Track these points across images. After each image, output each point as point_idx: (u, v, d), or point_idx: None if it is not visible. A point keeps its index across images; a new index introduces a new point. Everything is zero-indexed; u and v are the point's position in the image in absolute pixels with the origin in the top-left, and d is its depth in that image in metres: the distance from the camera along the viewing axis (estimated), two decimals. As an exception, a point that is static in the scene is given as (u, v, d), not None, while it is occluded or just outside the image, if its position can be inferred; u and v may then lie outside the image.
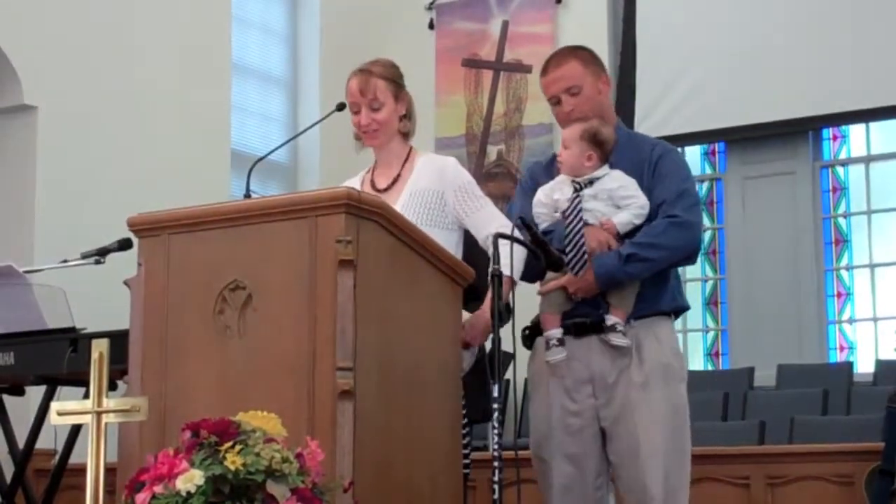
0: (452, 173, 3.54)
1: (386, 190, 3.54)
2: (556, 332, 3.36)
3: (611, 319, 3.35)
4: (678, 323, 3.74)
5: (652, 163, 3.48)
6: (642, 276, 3.37)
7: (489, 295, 3.05)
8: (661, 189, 3.43)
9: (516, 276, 3.33)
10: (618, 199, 3.40)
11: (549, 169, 3.61)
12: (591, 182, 3.41)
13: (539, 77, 3.69)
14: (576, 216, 3.36)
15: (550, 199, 3.45)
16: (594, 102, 3.53)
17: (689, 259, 3.50)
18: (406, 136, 3.64)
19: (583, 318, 3.39)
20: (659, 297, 3.45)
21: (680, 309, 3.57)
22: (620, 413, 3.35)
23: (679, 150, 3.68)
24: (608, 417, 3.37)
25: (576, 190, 3.41)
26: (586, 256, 3.32)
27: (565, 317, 3.41)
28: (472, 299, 3.38)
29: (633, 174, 3.44)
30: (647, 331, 3.41)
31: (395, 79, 3.58)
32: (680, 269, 3.67)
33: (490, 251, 3.07)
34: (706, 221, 8.80)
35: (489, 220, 3.44)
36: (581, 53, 3.61)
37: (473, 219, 3.48)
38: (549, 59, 3.64)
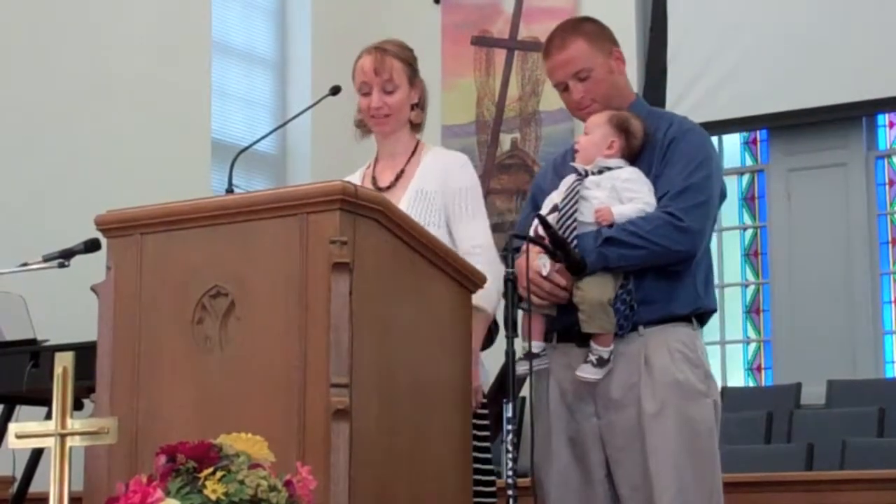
0: (458, 172, 3.57)
1: (388, 188, 3.55)
2: (532, 345, 3.26)
3: (592, 352, 3.28)
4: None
5: (663, 146, 3.41)
6: (618, 266, 3.26)
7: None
8: (666, 178, 3.36)
9: (493, 309, 3.37)
10: (622, 192, 3.32)
11: (560, 168, 3.55)
12: (600, 171, 3.36)
13: (542, 60, 3.62)
14: (571, 201, 3.32)
15: (560, 193, 3.40)
16: (607, 84, 3.48)
17: (680, 263, 3.35)
18: (416, 127, 3.66)
19: (571, 323, 3.31)
20: (673, 298, 3.35)
21: (703, 312, 3.44)
22: (626, 441, 3.30)
23: (706, 132, 3.55)
24: (612, 444, 3.32)
25: (580, 175, 3.38)
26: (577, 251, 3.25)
27: (555, 321, 3.37)
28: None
29: (644, 159, 3.39)
30: (658, 340, 3.32)
31: (410, 62, 3.62)
32: (712, 265, 3.56)
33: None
34: (746, 219, 8.80)
35: (475, 235, 3.44)
36: (586, 28, 3.55)
37: (460, 227, 3.50)
38: (551, 39, 3.56)
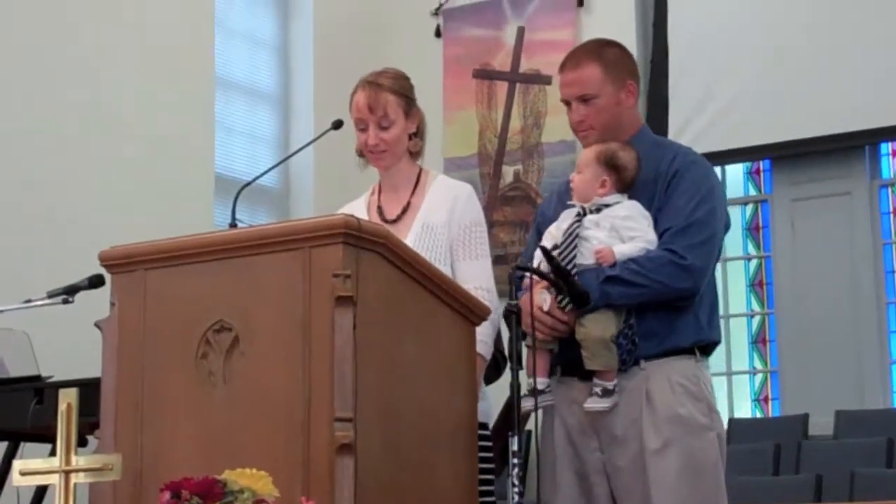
0: (463, 206, 3.57)
1: (395, 221, 3.55)
2: (537, 381, 3.26)
3: (595, 385, 3.29)
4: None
5: (667, 178, 3.39)
6: (621, 303, 3.26)
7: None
8: (669, 212, 3.35)
9: (487, 354, 3.38)
10: (622, 231, 3.32)
11: (564, 196, 3.54)
12: (598, 209, 3.36)
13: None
14: (569, 243, 3.32)
15: (560, 231, 3.40)
16: (610, 115, 3.47)
17: (683, 301, 3.35)
18: (415, 155, 3.66)
19: (574, 358, 3.30)
20: (674, 331, 3.34)
21: (706, 344, 3.42)
22: (630, 476, 3.29)
23: (709, 164, 3.55)
24: (616, 479, 3.31)
25: (579, 215, 3.37)
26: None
27: (558, 355, 3.36)
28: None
29: (647, 190, 3.38)
30: (660, 375, 3.31)
31: (406, 93, 3.61)
32: (716, 297, 3.55)
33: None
34: (751, 249, 8.79)
35: (478, 276, 3.44)
36: (606, 54, 3.53)
37: (463, 266, 3.50)
38: (569, 56, 3.56)
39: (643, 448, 3.27)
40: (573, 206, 3.40)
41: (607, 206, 3.36)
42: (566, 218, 3.40)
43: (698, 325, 3.39)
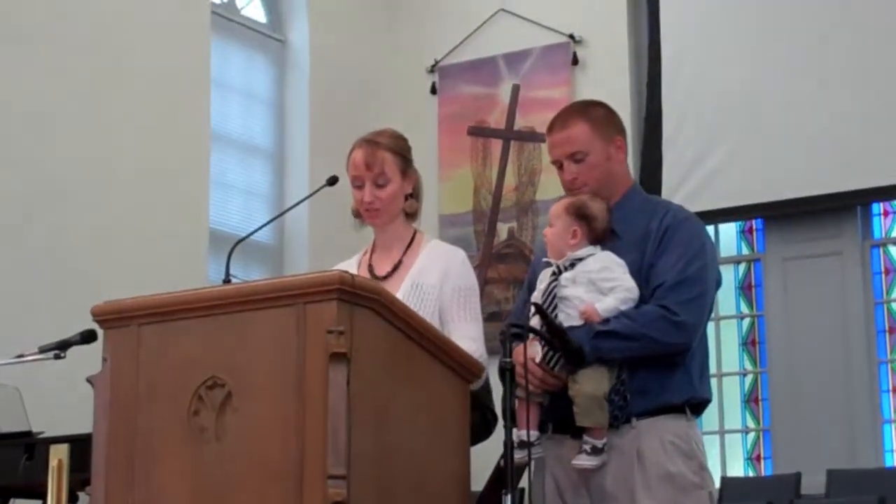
0: (458, 271, 3.57)
1: (385, 278, 3.55)
2: (523, 433, 3.21)
3: (585, 443, 3.27)
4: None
5: (658, 235, 3.40)
6: (612, 357, 3.24)
7: None
8: (661, 268, 3.34)
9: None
10: (599, 283, 3.31)
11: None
12: (572, 265, 3.35)
13: (539, 148, 3.64)
14: (549, 304, 3.30)
15: (539, 292, 3.38)
16: (602, 170, 3.48)
17: (675, 357, 3.34)
18: (411, 216, 3.66)
19: (566, 415, 3.27)
20: (666, 388, 3.33)
21: (697, 402, 3.42)
22: None
23: (701, 221, 3.56)
24: None
25: (554, 274, 3.36)
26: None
27: (549, 412, 3.34)
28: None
29: (637, 247, 3.38)
30: (651, 433, 3.30)
31: (403, 153, 3.62)
32: (708, 355, 3.54)
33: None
34: (744, 308, 8.79)
35: (466, 338, 3.40)
36: (593, 113, 3.55)
37: (453, 327, 3.47)
38: (556, 117, 3.58)
39: (630, 497, 3.25)
40: (549, 263, 3.40)
41: (580, 259, 3.35)
42: (544, 279, 3.40)
43: (690, 383, 3.38)
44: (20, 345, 4.56)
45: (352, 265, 3.67)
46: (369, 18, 9.51)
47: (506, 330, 3.09)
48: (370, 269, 3.64)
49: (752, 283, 8.87)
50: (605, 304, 3.28)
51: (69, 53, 7.13)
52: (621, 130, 3.58)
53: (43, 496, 2.53)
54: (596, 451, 3.25)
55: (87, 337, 4.18)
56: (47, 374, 4.70)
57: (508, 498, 2.88)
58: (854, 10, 8.32)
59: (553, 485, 3.38)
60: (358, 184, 3.61)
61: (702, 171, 8.59)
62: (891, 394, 8.40)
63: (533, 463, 3.26)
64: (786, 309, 8.63)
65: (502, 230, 9.01)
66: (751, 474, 8.61)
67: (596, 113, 3.56)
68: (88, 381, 2.98)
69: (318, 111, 8.99)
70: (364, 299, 2.78)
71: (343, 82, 9.19)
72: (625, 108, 8.38)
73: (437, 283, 3.53)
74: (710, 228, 8.34)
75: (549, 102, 8.53)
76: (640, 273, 3.36)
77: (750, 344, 8.82)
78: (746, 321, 8.81)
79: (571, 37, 8.93)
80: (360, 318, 2.75)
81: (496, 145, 9.11)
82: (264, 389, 2.74)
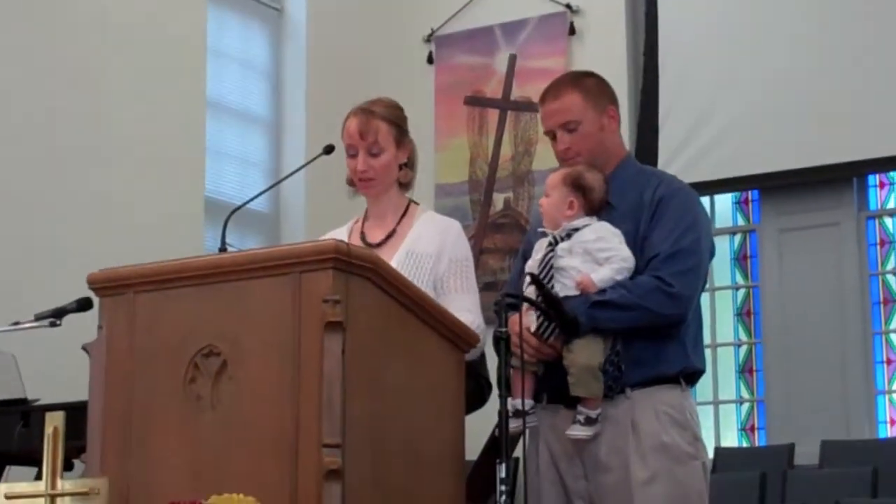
0: (454, 241, 3.57)
1: (379, 245, 3.54)
2: (517, 402, 3.21)
3: (579, 413, 3.27)
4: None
5: (651, 206, 3.41)
6: (607, 328, 3.26)
7: None
8: (655, 240, 3.35)
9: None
10: (596, 254, 3.31)
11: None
12: (569, 235, 3.35)
13: (536, 118, 3.64)
14: (546, 274, 3.31)
15: (536, 262, 3.39)
16: (594, 140, 3.48)
17: (670, 328, 3.35)
18: (405, 186, 3.66)
19: (560, 385, 3.29)
20: (661, 359, 3.34)
21: (691, 372, 3.43)
22: (616, 503, 3.28)
23: (694, 192, 3.56)
24: None
25: (550, 245, 3.37)
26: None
27: (543, 381, 3.35)
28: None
29: (631, 218, 3.39)
30: (645, 403, 3.31)
31: (398, 122, 3.61)
32: (702, 325, 3.55)
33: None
34: (739, 279, 8.80)
35: (464, 309, 3.40)
36: (585, 83, 3.56)
37: (450, 298, 3.47)
38: (548, 88, 3.59)
39: (629, 478, 3.27)
40: (545, 233, 3.40)
41: (576, 230, 3.35)
42: (540, 249, 3.40)
43: (685, 353, 3.39)
44: (16, 312, 4.57)
45: (342, 233, 3.67)
46: (366, -13, 9.47)
47: (500, 300, 3.09)
48: (362, 236, 3.64)
49: (748, 254, 8.87)
50: (601, 274, 3.29)
51: (65, 21, 7.10)
52: (614, 100, 3.58)
53: (38, 463, 2.53)
54: (590, 421, 3.26)
55: (83, 304, 4.19)
56: (43, 342, 4.70)
57: (503, 467, 2.89)
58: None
59: (547, 454, 3.40)
60: (352, 152, 3.60)
61: (698, 141, 8.58)
62: (885, 365, 8.42)
63: (527, 432, 3.28)
64: (781, 280, 8.63)
65: (498, 200, 9.00)
66: (744, 445, 8.63)
67: (588, 83, 3.56)
68: (84, 348, 2.98)
69: (315, 80, 8.96)
70: (360, 268, 2.77)
71: (340, 51, 9.16)
72: (621, 79, 8.36)
73: (433, 252, 3.53)
74: (706, 199, 8.38)
75: (546, 72, 8.48)
76: (635, 244, 3.36)
77: (745, 315, 8.83)
78: (741, 292, 8.81)
79: (568, 6, 8.90)
80: (356, 287, 2.75)
81: (493, 115, 9.09)
82: (260, 358, 2.74)
